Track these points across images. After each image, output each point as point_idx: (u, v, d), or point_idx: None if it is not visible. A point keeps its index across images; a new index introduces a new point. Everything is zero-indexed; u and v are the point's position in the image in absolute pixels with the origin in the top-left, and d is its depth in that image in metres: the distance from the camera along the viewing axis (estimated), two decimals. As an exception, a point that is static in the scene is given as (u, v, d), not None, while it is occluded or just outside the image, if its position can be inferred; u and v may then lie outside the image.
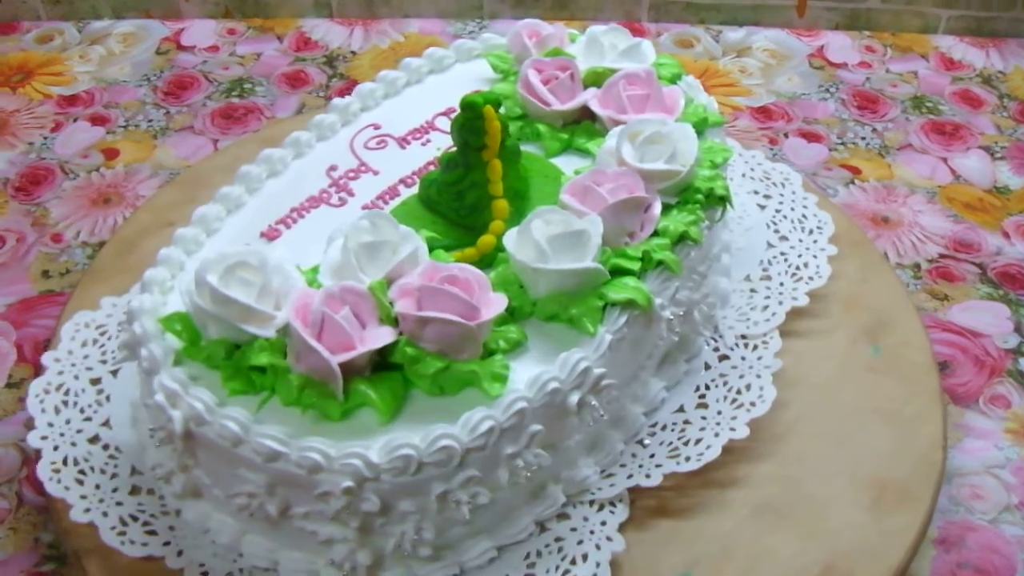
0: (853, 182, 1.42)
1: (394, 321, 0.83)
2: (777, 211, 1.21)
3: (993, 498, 1.06)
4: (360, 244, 0.86)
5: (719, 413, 1.00)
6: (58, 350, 1.05)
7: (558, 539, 0.93)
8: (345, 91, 1.53)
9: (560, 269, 0.85)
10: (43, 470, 0.95)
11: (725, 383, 1.03)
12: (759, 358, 1.05)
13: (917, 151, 1.48)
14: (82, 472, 0.95)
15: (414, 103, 1.11)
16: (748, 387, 1.02)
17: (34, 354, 1.17)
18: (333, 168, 1.04)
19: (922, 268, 1.30)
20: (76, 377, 1.03)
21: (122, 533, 0.92)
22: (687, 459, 0.96)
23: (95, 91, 1.56)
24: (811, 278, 1.13)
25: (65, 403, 1.01)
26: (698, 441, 0.98)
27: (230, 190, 1.00)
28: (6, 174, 1.41)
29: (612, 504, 0.95)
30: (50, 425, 0.99)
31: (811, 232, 1.18)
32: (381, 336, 0.82)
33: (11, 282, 1.26)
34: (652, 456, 0.97)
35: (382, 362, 0.83)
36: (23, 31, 1.68)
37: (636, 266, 0.89)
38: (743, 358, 1.05)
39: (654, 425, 1.00)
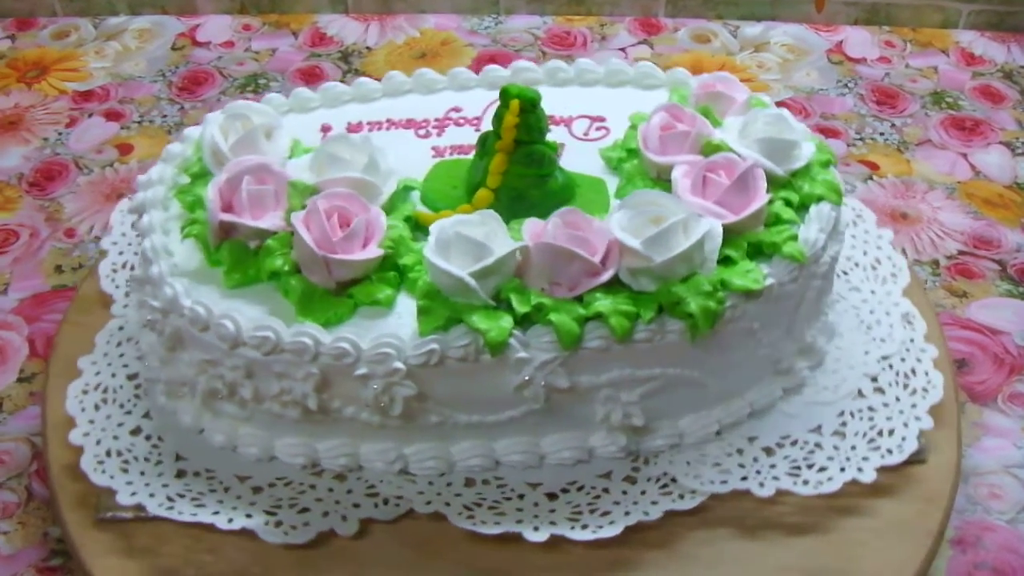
0: (871, 178, 1.41)
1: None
2: (870, 421, 1.00)
3: (1011, 497, 1.04)
4: (331, 152, 0.94)
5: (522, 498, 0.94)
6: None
7: (335, 491, 0.95)
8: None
9: (434, 263, 0.85)
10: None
11: (581, 490, 0.95)
12: (645, 510, 0.93)
13: (936, 147, 1.46)
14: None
15: (590, 98, 1.11)
16: (593, 511, 0.93)
17: (46, 349, 1.16)
18: (456, 109, 1.09)
19: (941, 265, 1.28)
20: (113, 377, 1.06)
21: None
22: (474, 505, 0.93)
23: (110, 87, 1.56)
24: (808, 481, 0.95)
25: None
26: (495, 504, 0.94)
27: (368, 82, 1.11)
28: (20, 169, 1.41)
29: (387, 503, 0.94)
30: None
31: (869, 442, 0.98)
32: (265, 220, 0.90)
33: (24, 277, 1.26)
34: (430, 484, 0.95)
35: None
36: (39, 27, 1.69)
37: (523, 309, 0.85)
38: (624, 492, 0.95)
39: (498, 479, 0.96)
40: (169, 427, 0.99)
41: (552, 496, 0.94)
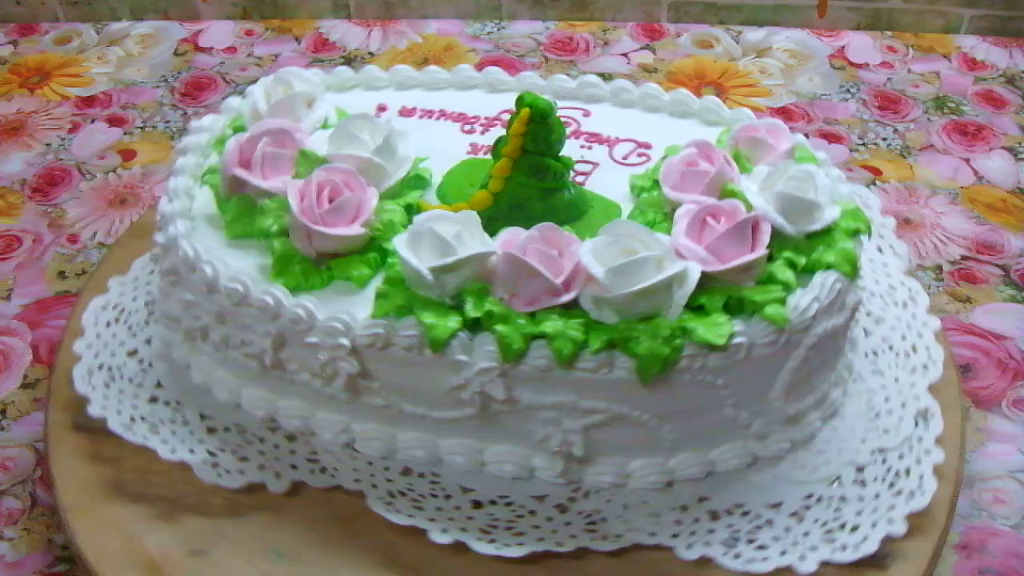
0: (874, 183, 1.41)
1: None
2: (836, 511, 0.94)
3: (1016, 503, 1.04)
4: (349, 129, 0.96)
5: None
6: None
7: (280, 447, 0.99)
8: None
9: (400, 252, 0.86)
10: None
11: (509, 506, 0.94)
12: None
13: (939, 152, 1.47)
14: None
15: (646, 124, 1.09)
16: (509, 529, 0.92)
17: (50, 355, 1.16)
18: (509, 112, 1.07)
19: (944, 270, 1.28)
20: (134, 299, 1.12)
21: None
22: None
23: (113, 92, 1.56)
24: (739, 555, 0.90)
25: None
26: (419, 498, 0.95)
27: (437, 71, 1.14)
28: (23, 175, 1.41)
29: (323, 471, 0.96)
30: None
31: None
32: (271, 182, 0.93)
33: (27, 283, 1.26)
34: (369, 463, 0.97)
35: None
36: (41, 32, 1.69)
37: (474, 313, 0.85)
38: (549, 519, 0.94)
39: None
40: (161, 356, 1.04)
41: (478, 505, 0.94)
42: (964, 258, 1.30)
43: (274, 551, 0.92)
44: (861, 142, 1.48)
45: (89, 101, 1.54)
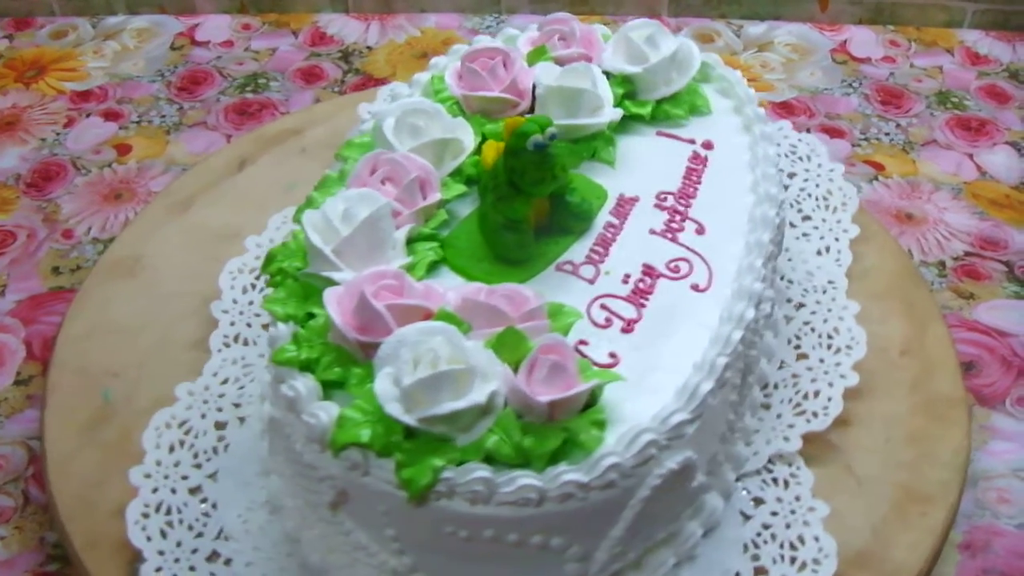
0: (877, 178, 1.39)
1: None
2: None
3: (1020, 502, 1.03)
4: (563, 74, 1.02)
5: None
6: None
7: None
8: (360, 86, 1.53)
9: (383, 127, 0.94)
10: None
11: None
12: None
13: (942, 147, 1.45)
14: None
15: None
16: None
17: (43, 351, 1.15)
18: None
19: (947, 266, 1.27)
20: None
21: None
22: None
23: (108, 87, 1.54)
24: None
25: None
26: None
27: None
28: (18, 170, 1.40)
29: None
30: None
31: None
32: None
33: (21, 278, 1.25)
34: None
35: None
36: (37, 27, 1.67)
37: (320, 197, 0.91)
38: None
39: None
40: None
41: None
42: (967, 254, 1.29)
43: None
44: (863, 137, 1.46)
45: (85, 96, 1.53)
